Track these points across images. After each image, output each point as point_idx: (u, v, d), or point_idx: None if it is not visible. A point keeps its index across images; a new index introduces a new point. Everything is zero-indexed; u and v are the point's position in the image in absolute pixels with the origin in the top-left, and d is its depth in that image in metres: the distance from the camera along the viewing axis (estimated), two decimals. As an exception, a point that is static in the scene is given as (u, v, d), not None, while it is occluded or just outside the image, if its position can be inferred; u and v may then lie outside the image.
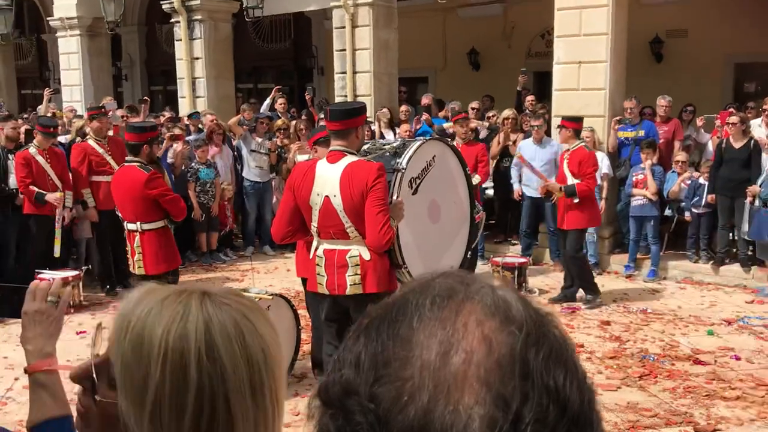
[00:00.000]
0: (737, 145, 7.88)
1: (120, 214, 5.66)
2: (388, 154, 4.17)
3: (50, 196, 7.42)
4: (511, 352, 0.60)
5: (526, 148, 8.73)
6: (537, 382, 0.59)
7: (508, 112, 9.43)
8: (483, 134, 9.53)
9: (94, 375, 0.94)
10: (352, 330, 0.68)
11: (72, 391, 1.09)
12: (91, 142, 8.03)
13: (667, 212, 8.68)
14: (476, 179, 7.84)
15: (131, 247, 5.31)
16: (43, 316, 1.54)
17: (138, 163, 5.25)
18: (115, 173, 5.85)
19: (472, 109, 9.92)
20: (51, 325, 1.54)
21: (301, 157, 9.02)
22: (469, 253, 7.30)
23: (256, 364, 0.88)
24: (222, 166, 9.50)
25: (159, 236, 5.28)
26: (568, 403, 0.59)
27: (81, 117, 9.80)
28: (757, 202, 7.60)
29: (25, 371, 1.53)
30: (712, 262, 8.29)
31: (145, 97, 12.65)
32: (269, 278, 8.63)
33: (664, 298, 7.69)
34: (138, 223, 5.26)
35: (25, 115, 10.26)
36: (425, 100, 10.40)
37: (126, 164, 5.43)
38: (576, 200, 7.11)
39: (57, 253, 7.51)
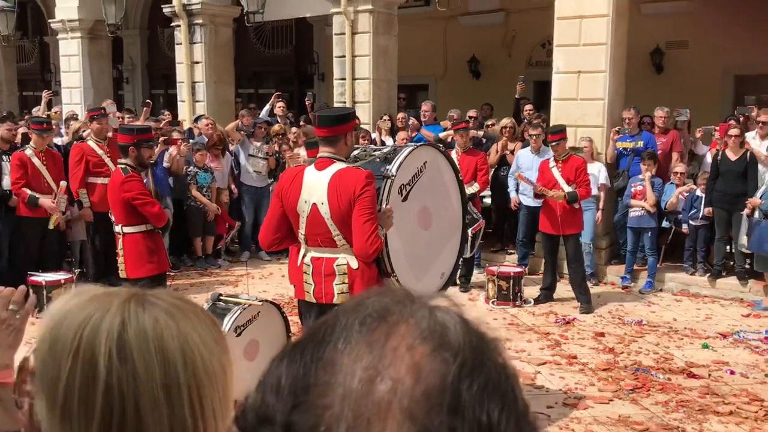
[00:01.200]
0: (733, 157, 7.84)
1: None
2: (378, 160, 4.13)
3: (43, 201, 7.40)
4: (441, 382, 0.55)
5: (523, 157, 8.71)
6: (468, 416, 0.54)
7: (506, 121, 9.41)
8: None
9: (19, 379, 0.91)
10: (280, 351, 0.64)
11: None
12: (90, 143, 8.03)
13: (665, 224, 8.65)
14: (475, 187, 7.83)
15: (117, 249, 5.29)
16: (2, 325, 1.49)
17: (122, 166, 5.23)
18: (111, 175, 5.84)
19: (471, 118, 9.90)
20: (10, 336, 1.49)
21: (303, 153, 9.02)
22: (462, 260, 7.34)
23: (172, 367, 0.83)
24: (219, 174, 9.48)
25: (140, 240, 5.22)
26: None
27: (77, 119, 9.79)
28: (757, 214, 7.55)
29: None
30: (708, 274, 8.24)
31: (148, 100, 12.65)
32: (263, 284, 8.59)
33: (659, 310, 7.64)
34: (120, 225, 5.24)
35: (23, 120, 10.22)
36: (425, 107, 10.38)
37: (117, 166, 5.41)
38: (576, 206, 7.36)
39: (51, 225, 7.48)
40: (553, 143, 7.39)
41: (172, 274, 8.96)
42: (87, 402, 0.81)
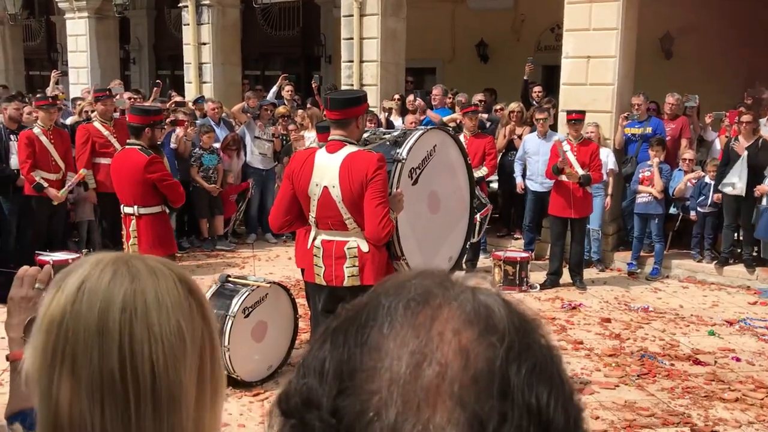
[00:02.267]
0: (745, 144, 7.79)
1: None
2: (388, 143, 4.12)
3: (49, 191, 7.44)
4: (489, 366, 0.55)
5: (530, 141, 8.69)
6: (517, 400, 0.54)
7: (514, 106, 9.36)
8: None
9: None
10: (318, 333, 0.63)
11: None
12: (96, 124, 8.03)
13: (672, 210, 8.62)
14: (483, 171, 7.82)
15: (127, 230, 5.28)
16: (29, 303, 1.50)
17: (139, 146, 5.21)
18: (115, 156, 5.81)
19: (481, 101, 9.84)
20: (36, 313, 1.51)
21: (309, 136, 9.02)
22: (469, 244, 7.35)
23: (111, 316, 0.90)
24: (232, 171, 9.54)
25: (155, 221, 5.24)
26: (552, 424, 0.54)
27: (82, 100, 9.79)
28: (765, 201, 7.52)
29: (7, 358, 1.50)
30: (715, 261, 8.23)
31: (158, 80, 12.60)
32: (270, 266, 8.61)
33: (666, 296, 7.64)
34: (135, 206, 5.22)
35: (28, 97, 10.21)
36: (436, 90, 10.32)
37: (127, 147, 5.39)
38: (589, 190, 7.53)
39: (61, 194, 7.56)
40: (573, 122, 7.47)
41: (178, 255, 8.98)
42: (48, 338, 0.92)
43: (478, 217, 7.03)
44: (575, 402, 0.58)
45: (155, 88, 11.09)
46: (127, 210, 5.28)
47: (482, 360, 0.55)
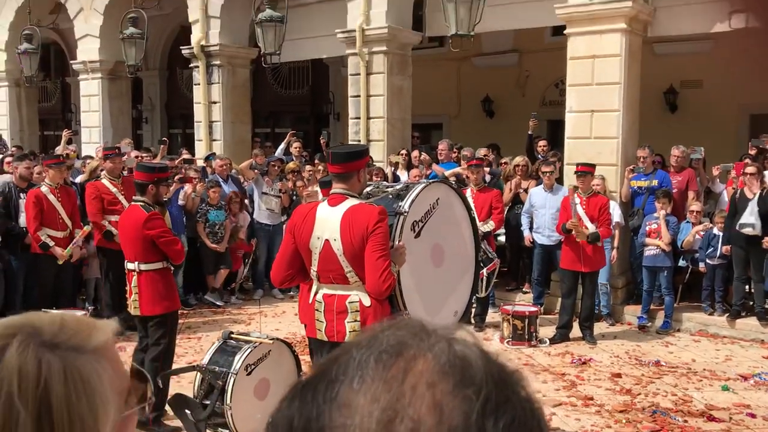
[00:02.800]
0: (751, 195, 7.77)
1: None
2: (390, 196, 4.13)
3: (54, 250, 7.50)
4: (465, 421, 0.52)
5: (536, 195, 8.70)
6: None
7: (519, 159, 9.41)
8: (488, 178, 9.47)
9: None
10: (289, 389, 0.61)
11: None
12: (104, 181, 8.10)
13: (681, 263, 8.54)
14: (490, 225, 7.81)
15: (129, 286, 5.28)
16: None
17: (142, 203, 5.25)
18: (122, 212, 5.87)
19: (484, 156, 9.91)
20: None
21: (317, 189, 9.07)
22: (477, 299, 7.29)
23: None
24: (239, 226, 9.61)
25: (156, 277, 5.23)
26: None
27: (92, 158, 9.92)
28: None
29: None
30: (727, 314, 8.11)
31: (165, 138, 12.79)
32: (276, 322, 8.56)
33: (677, 350, 7.51)
34: (137, 263, 5.24)
35: (40, 156, 10.37)
36: (441, 145, 10.41)
37: (132, 203, 5.44)
38: (599, 244, 7.52)
39: (60, 261, 7.55)
40: (581, 174, 7.48)
41: (185, 312, 8.95)
42: None
43: (485, 272, 7.00)
44: None
45: (162, 146, 11.24)
46: (130, 266, 5.29)
47: (457, 414, 0.52)
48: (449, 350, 0.56)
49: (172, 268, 5.45)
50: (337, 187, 3.88)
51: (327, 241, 3.80)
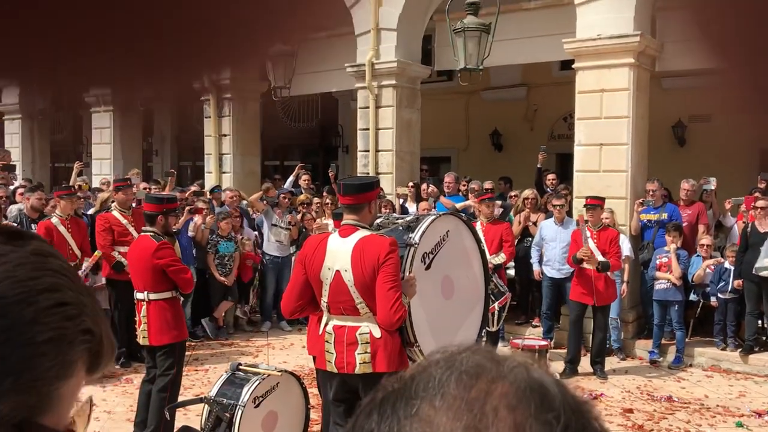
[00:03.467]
0: (762, 229, 7.74)
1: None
2: (401, 228, 4.13)
3: None
4: None
5: (547, 228, 8.69)
6: None
7: (528, 192, 9.42)
8: (497, 212, 9.47)
9: None
10: (364, 403, 0.61)
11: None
12: (115, 213, 8.14)
13: (693, 297, 8.47)
14: (501, 258, 7.78)
15: (138, 316, 5.28)
16: None
17: (152, 233, 5.28)
18: (132, 243, 5.90)
19: (487, 190, 9.93)
20: None
21: (327, 221, 9.09)
22: (487, 332, 7.24)
23: None
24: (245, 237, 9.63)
25: (165, 307, 5.24)
26: None
27: (102, 190, 9.99)
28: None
29: None
30: (740, 350, 8.02)
31: (172, 170, 12.88)
32: (284, 354, 8.51)
33: (690, 386, 7.41)
34: (146, 292, 5.25)
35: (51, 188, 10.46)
36: (448, 178, 10.44)
37: (141, 234, 5.47)
38: (611, 277, 7.55)
39: None
40: (590, 207, 7.49)
41: (192, 343, 8.92)
42: None
43: (496, 306, 6.97)
44: None
45: (170, 178, 11.30)
46: (139, 296, 5.31)
47: None
48: (528, 376, 0.57)
49: (182, 298, 5.46)
50: (348, 218, 3.89)
51: (338, 271, 3.80)
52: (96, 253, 7.77)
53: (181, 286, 5.27)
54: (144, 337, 5.24)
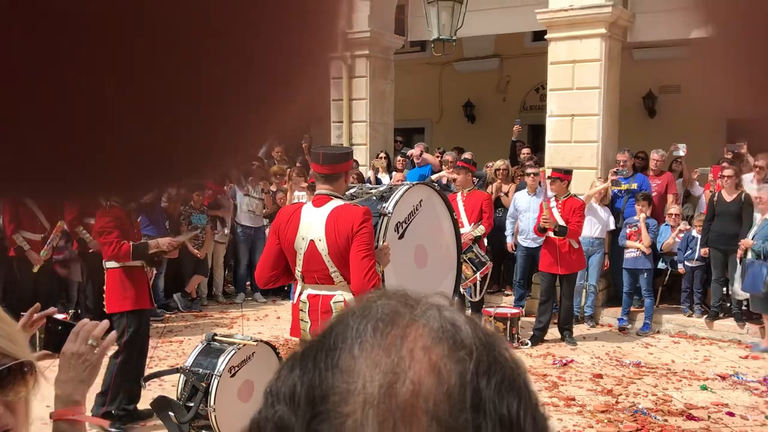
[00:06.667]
0: (729, 198, 7.90)
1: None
2: (374, 198, 4.15)
3: (31, 256, 7.44)
4: (461, 380, 0.55)
5: (520, 198, 8.76)
6: (490, 412, 0.54)
7: (500, 163, 9.48)
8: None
9: None
10: (287, 359, 0.63)
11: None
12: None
13: (661, 265, 8.65)
14: (481, 230, 7.79)
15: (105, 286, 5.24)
16: (80, 359, 1.48)
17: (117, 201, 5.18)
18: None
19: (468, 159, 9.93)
20: (85, 371, 1.48)
21: (298, 195, 9.09)
22: (470, 302, 7.33)
23: None
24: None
25: (120, 275, 5.10)
26: None
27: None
28: (750, 255, 7.57)
29: (51, 417, 1.45)
30: (706, 316, 8.22)
31: None
32: (258, 325, 8.53)
33: (657, 351, 7.60)
34: (104, 261, 5.20)
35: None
36: (417, 149, 10.43)
37: None
38: (575, 245, 7.58)
39: (35, 269, 7.50)
40: (552, 179, 7.52)
41: (167, 315, 8.91)
42: None
43: (478, 276, 7.01)
44: (542, 411, 0.59)
45: None
46: (104, 265, 5.24)
47: (454, 375, 0.55)
48: (440, 316, 0.59)
49: (148, 268, 5.35)
50: (322, 188, 3.89)
51: (312, 241, 3.82)
52: (59, 223, 7.64)
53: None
54: (104, 306, 5.20)
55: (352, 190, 4.25)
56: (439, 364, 0.56)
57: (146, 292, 5.30)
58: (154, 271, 7.43)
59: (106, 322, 1.55)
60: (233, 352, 4.86)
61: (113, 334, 1.59)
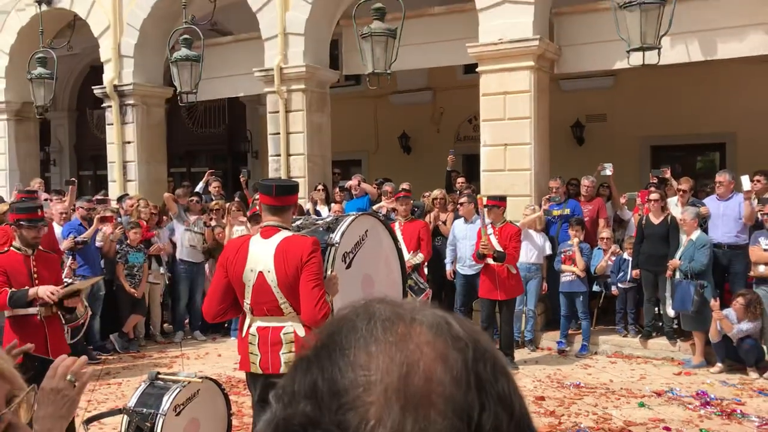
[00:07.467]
0: (656, 221, 8.26)
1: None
2: (321, 229, 4.19)
3: None
4: (465, 366, 0.65)
5: (458, 227, 8.92)
6: (490, 391, 0.65)
7: (437, 193, 9.66)
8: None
9: None
10: (296, 362, 0.70)
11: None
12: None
13: (596, 288, 8.92)
14: (419, 258, 7.93)
15: None
16: (58, 395, 1.47)
17: (16, 247, 4.96)
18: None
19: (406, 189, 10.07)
20: (63, 407, 1.47)
21: (237, 230, 9.01)
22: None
23: None
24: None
25: (13, 323, 4.81)
26: (514, 408, 0.66)
27: (2, 201, 9.51)
28: (678, 275, 7.90)
29: None
30: (640, 335, 8.51)
31: (73, 179, 12.36)
32: (199, 364, 8.37)
33: (596, 372, 7.81)
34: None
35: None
36: (354, 180, 10.50)
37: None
38: (513, 271, 7.78)
39: None
40: (488, 207, 7.69)
41: (104, 357, 8.65)
42: None
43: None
44: (520, 393, 0.70)
45: (71, 187, 10.76)
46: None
47: (459, 362, 0.66)
48: (433, 315, 0.70)
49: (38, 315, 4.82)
50: (270, 220, 3.91)
51: (261, 272, 3.82)
52: None
53: None
54: None
55: (298, 222, 4.28)
56: (445, 354, 0.66)
57: (42, 340, 4.71)
58: (89, 313, 7.15)
59: (84, 358, 1.55)
60: (178, 390, 4.76)
61: (90, 370, 1.59)
